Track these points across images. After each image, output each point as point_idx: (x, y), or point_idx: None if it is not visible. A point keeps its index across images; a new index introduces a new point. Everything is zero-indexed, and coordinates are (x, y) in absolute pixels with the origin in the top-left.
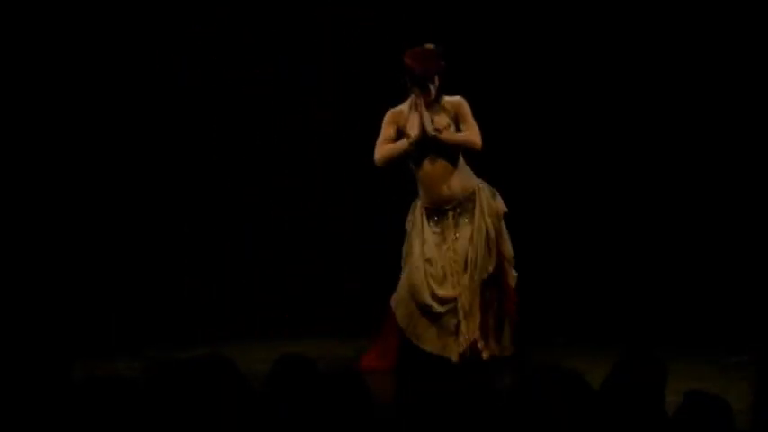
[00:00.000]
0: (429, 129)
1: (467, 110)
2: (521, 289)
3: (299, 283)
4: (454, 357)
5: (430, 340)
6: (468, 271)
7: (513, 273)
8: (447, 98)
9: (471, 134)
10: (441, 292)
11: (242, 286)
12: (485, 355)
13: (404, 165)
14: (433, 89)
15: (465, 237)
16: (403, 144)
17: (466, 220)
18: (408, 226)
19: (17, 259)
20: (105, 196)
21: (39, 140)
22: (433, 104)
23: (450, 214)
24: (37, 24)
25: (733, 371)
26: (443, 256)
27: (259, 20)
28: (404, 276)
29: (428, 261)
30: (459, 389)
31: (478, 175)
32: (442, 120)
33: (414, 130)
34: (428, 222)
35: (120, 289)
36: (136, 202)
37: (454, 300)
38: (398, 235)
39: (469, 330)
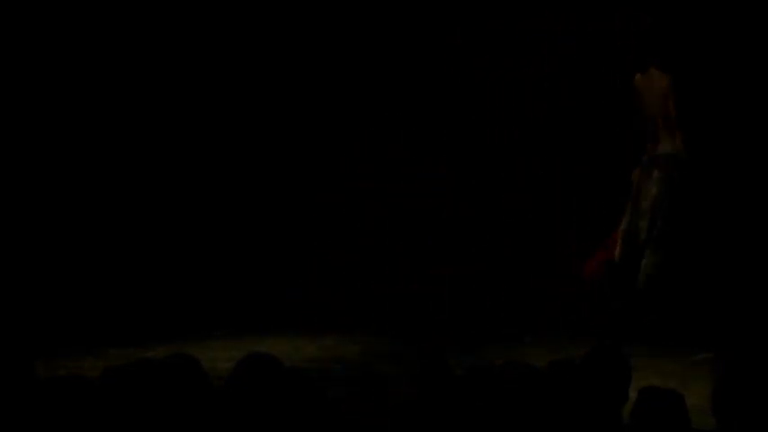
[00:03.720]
0: None
1: None
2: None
3: (264, 282)
4: None
5: None
6: None
7: None
8: None
9: None
10: None
11: (206, 284)
12: None
13: None
14: None
15: None
16: None
17: None
18: None
19: None
20: (74, 197)
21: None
22: None
23: None
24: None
25: (699, 367)
26: None
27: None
28: None
29: None
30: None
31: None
32: None
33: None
34: None
35: (86, 288)
36: (103, 202)
37: None
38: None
39: None
